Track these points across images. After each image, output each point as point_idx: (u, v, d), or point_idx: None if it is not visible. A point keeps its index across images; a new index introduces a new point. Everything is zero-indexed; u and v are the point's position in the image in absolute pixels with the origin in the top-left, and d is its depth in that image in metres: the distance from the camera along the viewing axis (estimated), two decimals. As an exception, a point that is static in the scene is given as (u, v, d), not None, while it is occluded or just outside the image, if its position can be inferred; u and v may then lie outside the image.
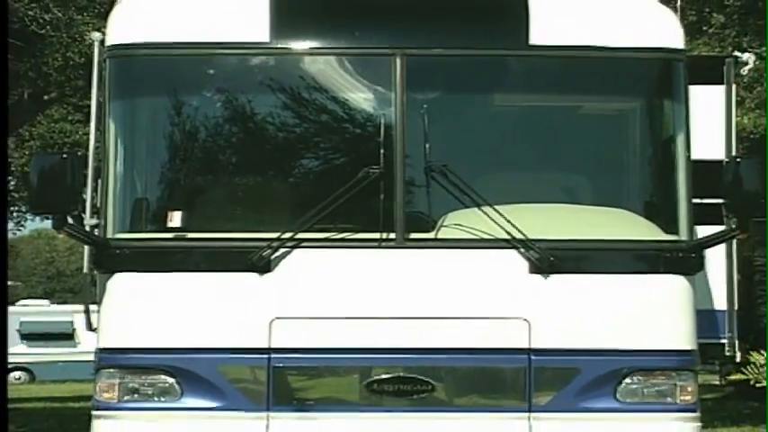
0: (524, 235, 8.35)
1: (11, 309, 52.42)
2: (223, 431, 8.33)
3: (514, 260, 8.39)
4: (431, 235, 8.47)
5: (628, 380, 8.41)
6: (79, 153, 9.36)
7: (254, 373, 8.37)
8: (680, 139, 8.73)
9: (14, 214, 31.26)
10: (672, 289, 8.55)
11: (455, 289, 8.39)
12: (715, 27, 19.87)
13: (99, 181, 8.73)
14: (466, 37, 8.80)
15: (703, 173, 8.79)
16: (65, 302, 51.87)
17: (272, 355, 8.32)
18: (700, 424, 8.57)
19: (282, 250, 8.35)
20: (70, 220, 8.53)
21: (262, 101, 8.86)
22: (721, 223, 9.02)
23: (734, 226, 8.82)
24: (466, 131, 8.94)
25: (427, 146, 8.48)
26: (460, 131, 8.90)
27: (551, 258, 8.36)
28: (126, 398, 8.38)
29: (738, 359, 10.77)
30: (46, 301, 56.65)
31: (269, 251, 8.33)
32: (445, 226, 8.48)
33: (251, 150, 9.03)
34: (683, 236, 8.63)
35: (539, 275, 8.38)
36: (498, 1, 8.98)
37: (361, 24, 8.85)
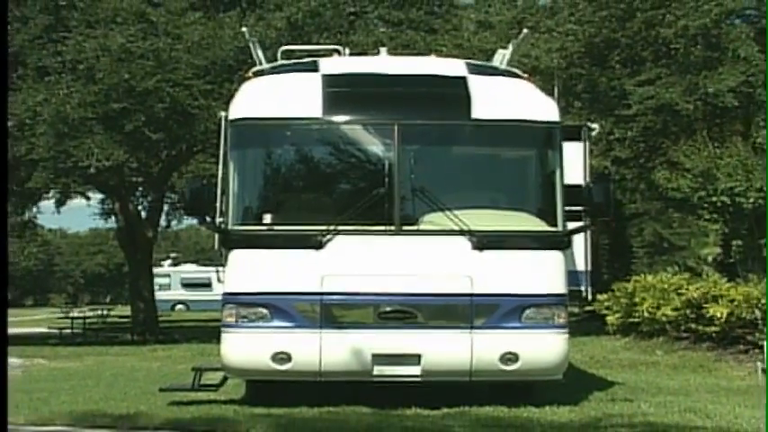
0: (469, 227, 8.26)
1: (175, 268, 52.56)
2: (294, 340, 8.21)
3: (463, 242, 8.28)
4: (415, 227, 8.35)
5: (528, 311, 8.29)
6: (213, 180, 9.31)
7: (312, 307, 8.23)
8: (558, 172, 8.62)
9: (177, 215, 31.19)
10: (552, 258, 8.45)
11: (429, 258, 8.29)
12: (576, 109, 19.84)
13: (223, 196, 8.64)
14: (434, 114, 8.72)
15: (571, 192, 8.69)
16: (206, 265, 51.62)
17: (323, 297, 8.20)
18: (568, 335, 8.49)
19: (329, 236, 8.25)
20: (208, 219, 8.65)
21: (317, 150, 8.79)
22: (581, 220, 8.95)
23: (588, 222, 8.89)
24: (435, 167, 8.80)
25: (413, 176, 8.39)
26: (432, 168, 8.75)
27: (485, 241, 8.27)
28: (239, 321, 8.27)
29: (590, 298, 10.70)
30: (195, 264, 56.62)
31: (321, 236, 8.23)
32: (424, 222, 8.36)
33: (310, 178, 8.95)
34: (560, 228, 8.52)
35: (477, 251, 8.28)
36: (452, 94, 8.83)
37: (374, 108, 8.79)
